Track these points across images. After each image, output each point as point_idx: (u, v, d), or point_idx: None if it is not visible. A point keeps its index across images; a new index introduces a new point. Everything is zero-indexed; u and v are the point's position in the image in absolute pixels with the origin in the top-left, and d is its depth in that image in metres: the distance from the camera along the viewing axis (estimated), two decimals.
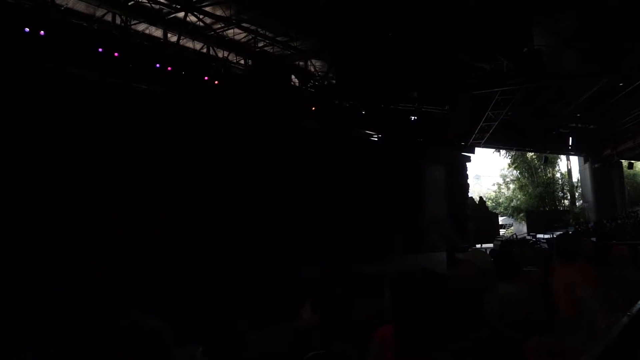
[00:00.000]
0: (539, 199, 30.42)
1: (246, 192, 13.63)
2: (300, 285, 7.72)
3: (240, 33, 14.60)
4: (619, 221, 19.98)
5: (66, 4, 11.86)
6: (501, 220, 32.80)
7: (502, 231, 31.32)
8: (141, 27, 13.41)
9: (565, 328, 2.55)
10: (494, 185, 36.61)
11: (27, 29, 10.12)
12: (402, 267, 1.88)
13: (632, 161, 25.08)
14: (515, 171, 32.13)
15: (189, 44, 14.70)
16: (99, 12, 12.40)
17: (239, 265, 11.81)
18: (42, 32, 10.28)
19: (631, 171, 27.60)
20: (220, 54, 15.18)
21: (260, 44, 15.26)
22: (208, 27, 13.87)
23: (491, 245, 19.33)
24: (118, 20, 12.71)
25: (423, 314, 1.63)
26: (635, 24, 12.82)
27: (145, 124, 11.88)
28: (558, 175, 31.41)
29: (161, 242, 11.43)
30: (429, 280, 1.70)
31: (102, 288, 9.11)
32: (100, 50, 11.23)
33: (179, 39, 13.67)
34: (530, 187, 30.84)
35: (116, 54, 11.51)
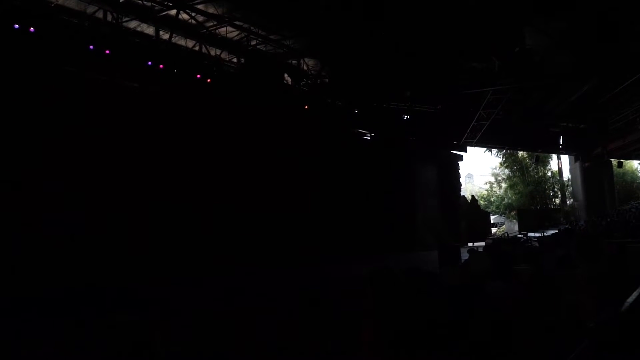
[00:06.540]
0: (530, 197, 30.60)
1: (237, 191, 13.57)
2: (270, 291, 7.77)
3: (233, 31, 14.53)
4: (609, 219, 20.18)
5: (56, 1, 11.72)
6: (493, 218, 32.96)
7: (493, 230, 31.46)
8: (133, 24, 13.29)
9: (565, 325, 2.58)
10: (486, 184, 36.77)
11: (16, 26, 9.98)
12: (383, 266, 1.85)
13: (622, 160, 25.35)
14: (506, 170, 32.28)
15: (182, 41, 14.60)
16: (90, 9, 12.25)
17: (228, 265, 11.77)
18: (31, 29, 10.15)
19: (620, 170, 27.88)
20: (212, 52, 15.10)
21: (253, 42, 15.19)
22: (200, 25, 13.79)
23: (483, 243, 19.43)
24: (109, 18, 12.59)
25: (407, 313, 1.60)
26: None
27: (137, 122, 11.77)
28: (549, 174, 31.61)
29: (152, 242, 11.33)
30: (412, 278, 1.69)
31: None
32: (91, 47, 11.11)
33: (171, 37, 13.57)
34: (521, 186, 30.99)
35: (107, 52, 11.40)
